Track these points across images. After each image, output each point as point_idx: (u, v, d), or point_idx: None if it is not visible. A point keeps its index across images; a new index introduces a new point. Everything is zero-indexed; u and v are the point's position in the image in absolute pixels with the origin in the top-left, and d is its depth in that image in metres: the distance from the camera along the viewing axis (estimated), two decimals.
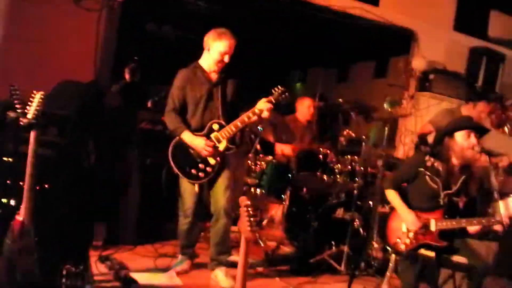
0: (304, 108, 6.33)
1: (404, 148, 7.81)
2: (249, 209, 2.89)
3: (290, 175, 5.49)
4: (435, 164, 3.84)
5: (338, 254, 5.08)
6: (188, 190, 4.29)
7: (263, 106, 4.17)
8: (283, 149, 5.86)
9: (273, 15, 7.88)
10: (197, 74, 4.27)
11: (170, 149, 4.23)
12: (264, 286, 4.51)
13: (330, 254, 5.09)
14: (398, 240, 3.83)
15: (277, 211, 6.35)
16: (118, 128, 5.17)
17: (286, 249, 5.57)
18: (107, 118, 5.13)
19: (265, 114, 4.20)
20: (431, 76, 7.58)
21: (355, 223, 5.12)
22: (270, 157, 5.59)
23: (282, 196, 5.65)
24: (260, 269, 4.83)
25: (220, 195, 4.27)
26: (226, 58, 4.19)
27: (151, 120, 5.86)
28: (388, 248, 3.92)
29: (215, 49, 4.18)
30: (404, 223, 3.87)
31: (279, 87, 4.28)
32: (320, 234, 5.17)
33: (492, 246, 4.95)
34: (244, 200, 2.91)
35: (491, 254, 4.97)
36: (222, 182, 4.28)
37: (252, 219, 2.89)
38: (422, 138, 5.96)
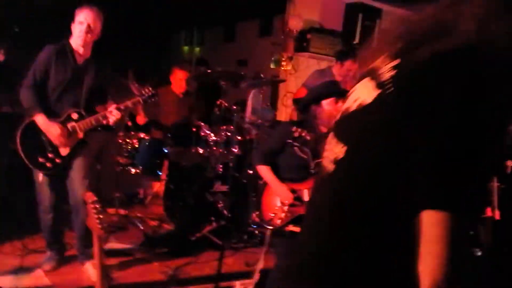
0: (177, 81, 6.01)
1: (286, 111, 7.76)
2: (97, 205, 2.65)
3: (165, 151, 5.21)
4: (303, 134, 3.72)
5: (220, 229, 4.92)
6: (42, 181, 3.93)
7: (112, 114, 3.93)
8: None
9: None
10: (65, 52, 3.89)
11: (19, 130, 3.84)
12: (142, 272, 4.28)
13: (210, 230, 4.91)
14: (273, 215, 3.71)
15: (161, 186, 6.11)
16: None
17: (169, 227, 5.35)
18: None
19: (111, 121, 3.96)
20: (308, 36, 7.49)
21: (219, 205, 4.97)
22: (142, 134, 5.28)
23: (159, 173, 5.39)
24: (138, 255, 4.58)
25: (77, 185, 3.95)
26: (84, 27, 3.84)
27: (12, 103, 5.34)
28: (264, 225, 3.78)
29: (76, 21, 3.88)
30: (278, 196, 3.75)
31: (150, 89, 4.09)
32: (198, 210, 4.97)
33: None
34: (90, 197, 2.66)
35: None
36: (77, 172, 3.96)
37: (101, 216, 2.66)
38: (298, 102, 5.86)
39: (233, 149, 5.06)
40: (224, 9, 11.20)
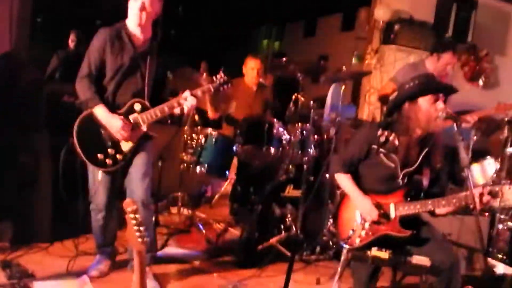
0: (249, 71, 5.49)
1: (369, 108, 7.13)
2: (136, 215, 2.18)
3: (234, 149, 4.73)
4: (390, 138, 3.12)
5: (290, 239, 4.38)
6: (101, 180, 3.53)
7: (186, 101, 3.47)
8: None
9: None
10: (121, 36, 3.48)
11: (77, 123, 3.47)
12: (199, 284, 3.82)
13: (279, 239, 4.37)
14: (351, 232, 3.14)
15: (229, 186, 5.67)
16: (28, 108, 4.34)
17: (233, 231, 4.89)
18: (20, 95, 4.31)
19: (186, 110, 3.53)
20: (396, 27, 6.81)
21: (287, 219, 4.41)
22: (209, 130, 4.82)
23: (226, 173, 4.92)
24: (197, 262, 4.14)
25: (136, 185, 3.52)
26: (139, 5, 3.38)
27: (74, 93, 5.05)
28: (341, 243, 3.21)
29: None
30: (359, 211, 3.17)
31: (222, 75, 3.60)
32: (267, 217, 4.44)
33: (467, 222, 4.35)
34: (129, 204, 2.19)
35: (467, 233, 4.37)
36: (138, 170, 3.53)
37: (141, 228, 2.19)
38: (384, 99, 5.25)
39: (309, 150, 4.52)
40: (305, 3, 10.75)
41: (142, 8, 3.40)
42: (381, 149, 3.15)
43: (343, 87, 4.82)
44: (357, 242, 3.11)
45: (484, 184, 4.53)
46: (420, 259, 2.84)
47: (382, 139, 3.13)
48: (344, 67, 5.04)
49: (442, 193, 3.20)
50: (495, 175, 4.99)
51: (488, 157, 5.08)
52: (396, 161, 3.14)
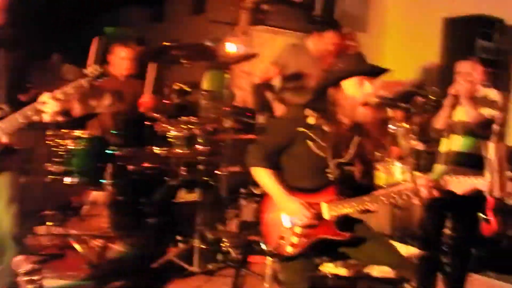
0: (118, 60, 4.74)
1: (241, 94, 6.70)
2: (34, 277, 1.53)
3: (110, 152, 4.02)
4: (321, 122, 2.68)
5: (188, 251, 3.82)
6: None
7: (45, 106, 2.72)
8: None
9: None
10: None
11: None
12: None
13: (177, 252, 3.78)
14: (281, 240, 2.65)
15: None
16: None
17: (117, 248, 4.19)
18: None
19: (47, 117, 2.74)
20: (266, 7, 6.44)
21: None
22: (78, 132, 4.05)
23: (102, 181, 4.19)
24: None
25: (1, 213, 2.71)
26: None
27: None
28: (269, 253, 2.71)
29: None
30: (287, 214, 2.68)
31: (97, 67, 2.85)
32: (160, 228, 3.83)
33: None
34: (22, 265, 1.53)
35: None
36: (1, 194, 2.73)
37: None
38: (266, 84, 4.87)
39: (199, 146, 3.97)
40: None
41: None
42: (309, 133, 2.68)
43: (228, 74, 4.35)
44: (289, 250, 2.63)
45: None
46: (382, 271, 2.44)
47: (311, 121, 2.67)
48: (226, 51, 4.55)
49: (372, 185, 2.86)
50: None
51: None
52: (327, 150, 2.69)
